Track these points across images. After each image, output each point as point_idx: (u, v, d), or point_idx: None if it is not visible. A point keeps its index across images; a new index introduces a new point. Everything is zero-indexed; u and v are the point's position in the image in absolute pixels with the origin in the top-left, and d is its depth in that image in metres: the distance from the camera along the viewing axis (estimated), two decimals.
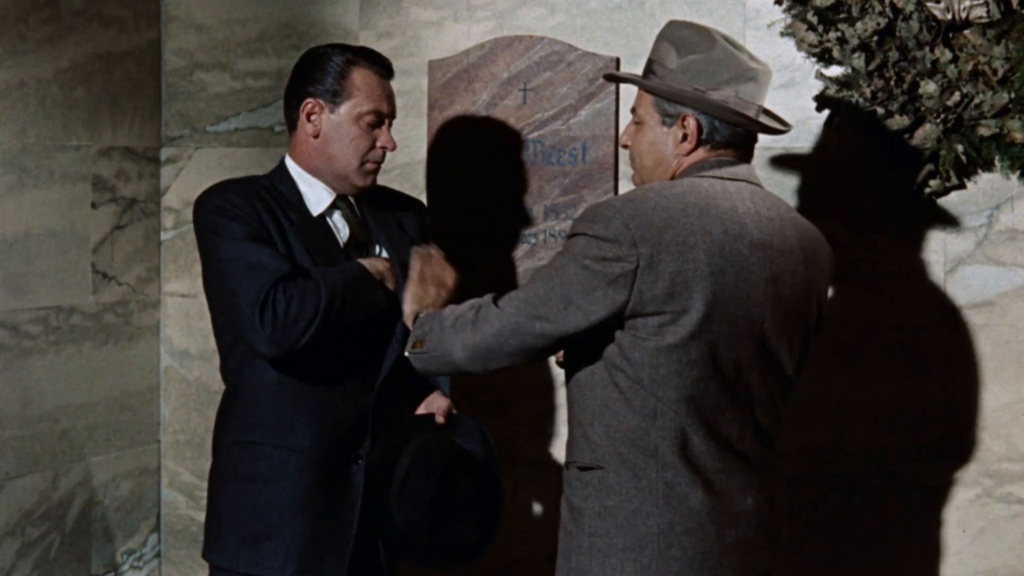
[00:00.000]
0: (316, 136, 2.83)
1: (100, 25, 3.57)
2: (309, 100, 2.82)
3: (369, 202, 2.92)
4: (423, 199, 3.54)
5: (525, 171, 3.46)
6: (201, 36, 3.74)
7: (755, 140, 2.54)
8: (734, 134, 2.48)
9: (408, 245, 2.90)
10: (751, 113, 2.46)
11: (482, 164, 3.51)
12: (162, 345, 3.82)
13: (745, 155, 2.52)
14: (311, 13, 3.64)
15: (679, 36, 2.49)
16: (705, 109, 2.45)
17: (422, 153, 3.57)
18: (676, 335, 2.34)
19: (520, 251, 3.48)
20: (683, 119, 2.47)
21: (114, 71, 3.62)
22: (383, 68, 2.86)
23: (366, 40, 3.57)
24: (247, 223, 2.75)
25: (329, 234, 2.85)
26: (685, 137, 2.47)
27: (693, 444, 2.38)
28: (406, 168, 3.58)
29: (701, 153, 2.48)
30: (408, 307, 2.69)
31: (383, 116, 2.84)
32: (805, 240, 2.49)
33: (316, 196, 2.85)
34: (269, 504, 2.80)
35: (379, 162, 2.86)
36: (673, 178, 2.49)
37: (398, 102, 3.55)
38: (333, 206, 2.87)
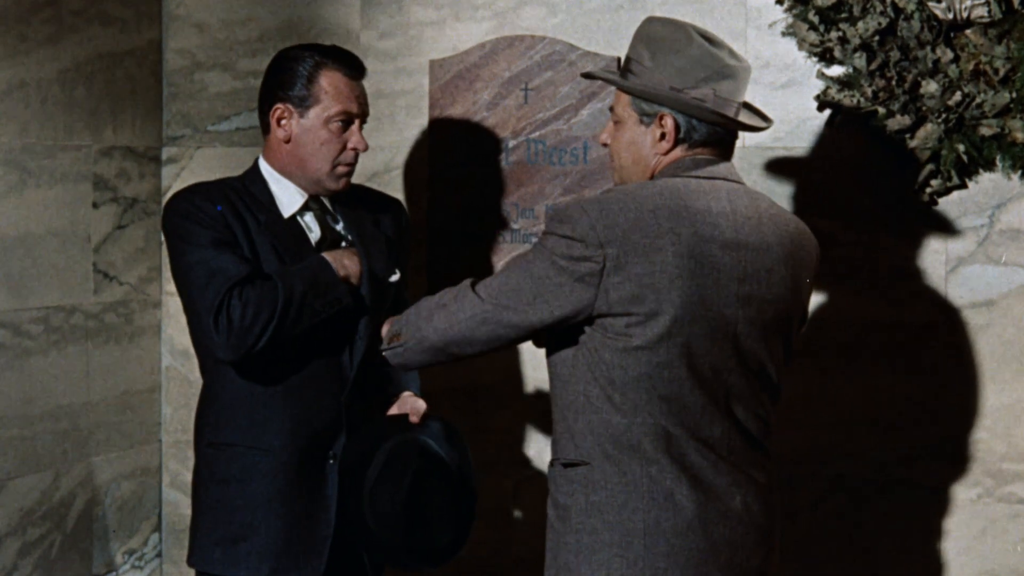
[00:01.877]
0: (287, 141, 2.83)
1: (101, 25, 3.57)
2: (279, 106, 2.82)
3: (343, 202, 2.92)
4: (423, 199, 3.54)
5: (526, 171, 3.46)
6: (202, 36, 3.74)
7: (735, 138, 2.53)
8: (712, 133, 2.46)
9: (383, 244, 2.90)
10: (730, 111, 2.46)
11: (483, 164, 3.50)
12: (163, 345, 3.82)
13: (725, 153, 2.50)
14: (312, 13, 3.64)
15: (655, 34, 2.47)
16: (682, 108, 2.44)
17: (423, 153, 3.56)
18: (644, 337, 2.34)
19: (521, 251, 3.48)
20: (661, 118, 2.45)
21: (115, 71, 3.62)
22: (352, 69, 2.84)
23: (367, 40, 3.57)
24: (212, 227, 2.75)
25: (300, 235, 2.84)
26: (663, 136, 2.46)
27: (676, 442, 2.38)
28: (406, 168, 3.58)
29: (679, 152, 2.47)
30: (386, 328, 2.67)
31: (353, 117, 2.83)
32: (786, 237, 2.47)
33: (288, 197, 2.85)
34: (243, 505, 2.80)
35: (351, 164, 2.85)
36: (652, 177, 2.48)
37: (399, 102, 3.56)
38: (305, 207, 2.87)
